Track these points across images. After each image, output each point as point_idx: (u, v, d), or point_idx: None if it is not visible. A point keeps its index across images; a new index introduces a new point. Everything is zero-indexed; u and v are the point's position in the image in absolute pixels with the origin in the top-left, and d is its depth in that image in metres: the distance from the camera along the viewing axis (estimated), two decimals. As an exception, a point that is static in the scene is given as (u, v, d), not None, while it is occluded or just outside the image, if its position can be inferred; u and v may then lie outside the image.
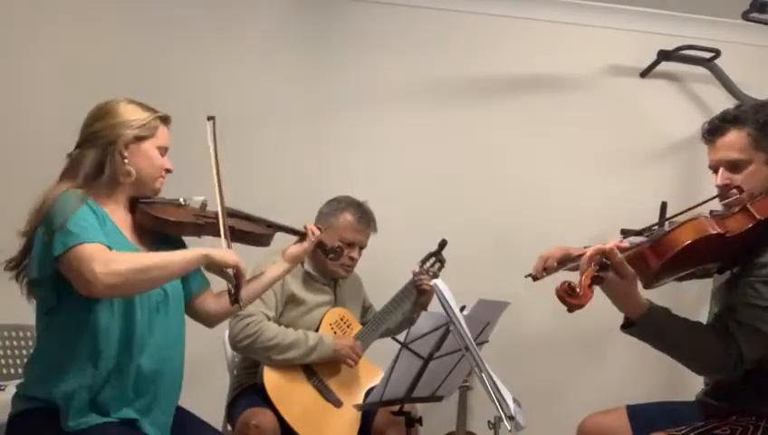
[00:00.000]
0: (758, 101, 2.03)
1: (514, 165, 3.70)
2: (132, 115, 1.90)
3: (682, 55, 3.71)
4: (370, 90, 3.62)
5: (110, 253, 1.73)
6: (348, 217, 2.76)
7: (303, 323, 2.68)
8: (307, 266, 2.76)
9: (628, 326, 1.87)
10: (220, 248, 1.93)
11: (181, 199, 2.02)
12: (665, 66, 3.79)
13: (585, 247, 2.15)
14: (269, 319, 2.60)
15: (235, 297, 1.93)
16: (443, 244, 2.98)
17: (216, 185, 2.02)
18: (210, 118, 2.08)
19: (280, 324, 2.63)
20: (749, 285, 1.82)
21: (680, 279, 2.05)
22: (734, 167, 1.92)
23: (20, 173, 2.99)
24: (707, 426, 1.93)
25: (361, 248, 2.81)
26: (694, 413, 2.05)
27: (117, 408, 1.81)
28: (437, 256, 2.96)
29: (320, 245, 2.30)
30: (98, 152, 1.86)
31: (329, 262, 2.72)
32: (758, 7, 3.26)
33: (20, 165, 3.12)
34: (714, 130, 1.96)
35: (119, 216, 1.91)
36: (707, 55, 3.70)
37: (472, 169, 3.66)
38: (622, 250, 1.81)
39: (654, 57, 3.75)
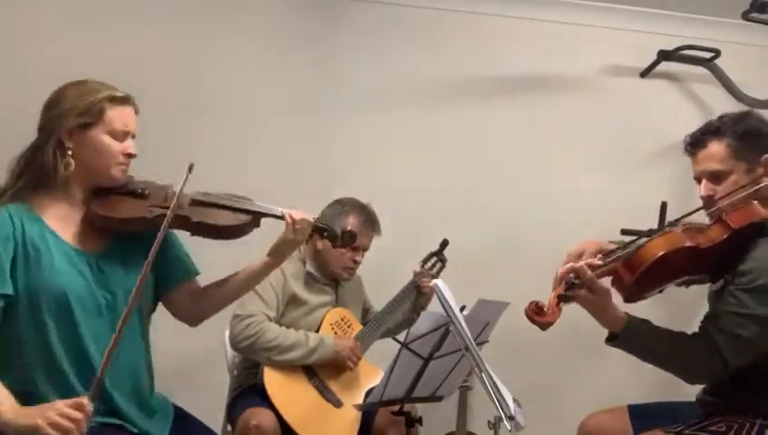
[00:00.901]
0: (738, 112, 2.06)
1: (514, 165, 3.70)
2: (74, 102, 1.76)
3: (682, 55, 3.71)
4: (371, 90, 3.62)
5: None
6: (352, 219, 2.75)
7: (305, 324, 2.68)
8: (309, 267, 2.76)
9: (612, 339, 1.94)
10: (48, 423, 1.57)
11: (142, 188, 1.87)
12: (665, 66, 3.79)
13: (610, 242, 2.14)
14: (270, 319, 2.60)
15: None
16: (444, 244, 2.98)
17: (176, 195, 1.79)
18: (190, 167, 1.79)
19: (281, 325, 2.63)
20: (730, 293, 1.86)
21: (663, 291, 2.07)
22: (715, 177, 1.97)
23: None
24: (703, 423, 1.94)
25: (365, 251, 2.80)
26: (694, 413, 2.05)
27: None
28: (439, 255, 2.96)
29: (326, 235, 2.12)
30: (34, 148, 1.77)
31: (332, 262, 2.72)
32: (758, 7, 3.26)
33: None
34: (695, 143, 2.01)
35: (61, 215, 1.79)
36: (707, 55, 3.70)
37: (472, 169, 3.66)
38: (595, 267, 1.87)
39: (654, 57, 3.74)
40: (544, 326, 1.87)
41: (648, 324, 1.92)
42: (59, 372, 1.74)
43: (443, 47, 3.69)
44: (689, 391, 2.19)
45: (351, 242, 2.27)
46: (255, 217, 1.96)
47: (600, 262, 1.92)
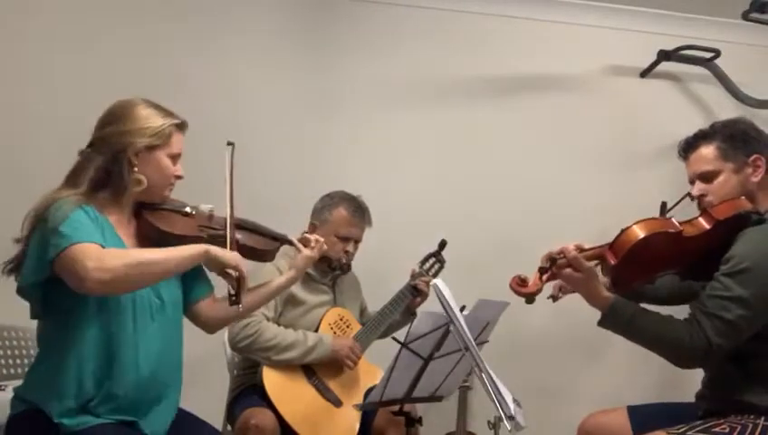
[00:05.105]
0: (728, 119, 2.18)
1: (514, 165, 3.70)
2: (146, 122, 1.85)
3: (682, 55, 3.71)
4: (371, 90, 3.62)
5: (103, 250, 1.70)
6: (342, 211, 2.76)
7: (303, 324, 2.68)
8: (306, 266, 2.76)
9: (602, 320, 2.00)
10: (223, 248, 1.90)
11: (188, 208, 1.99)
12: (665, 66, 3.79)
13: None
14: (268, 319, 2.60)
15: (235, 299, 1.90)
16: (443, 244, 2.97)
17: (228, 206, 1.97)
18: (230, 144, 2.02)
19: (279, 325, 2.63)
20: (715, 278, 1.93)
21: (653, 282, 2.17)
22: (706, 178, 2.09)
23: (23, 174, 3.00)
24: (706, 424, 1.94)
25: (357, 242, 2.81)
26: (694, 414, 2.06)
27: (111, 412, 1.80)
28: (437, 256, 2.95)
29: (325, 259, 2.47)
30: (106, 159, 1.83)
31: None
32: (758, 7, 3.26)
33: (23, 166, 3.13)
34: (687, 147, 2.17)
35: (121, 223, 1.89)
36: (707, 55, 3.70)
37: (472, 169, 3.66)
38: (581, 249, 1.99)
39: (654, 57, 3.74)
40: (528, 297, 1.98)
41: (634, 305, 1.99)
42: (105, 365, 1.80)
43: (443, 47, 3.69)
44: (689, 392, 2.19)
45: (342, 269, 2.70)
46: (282, 244, 2.13)
47: (587, 246, 2.02)
